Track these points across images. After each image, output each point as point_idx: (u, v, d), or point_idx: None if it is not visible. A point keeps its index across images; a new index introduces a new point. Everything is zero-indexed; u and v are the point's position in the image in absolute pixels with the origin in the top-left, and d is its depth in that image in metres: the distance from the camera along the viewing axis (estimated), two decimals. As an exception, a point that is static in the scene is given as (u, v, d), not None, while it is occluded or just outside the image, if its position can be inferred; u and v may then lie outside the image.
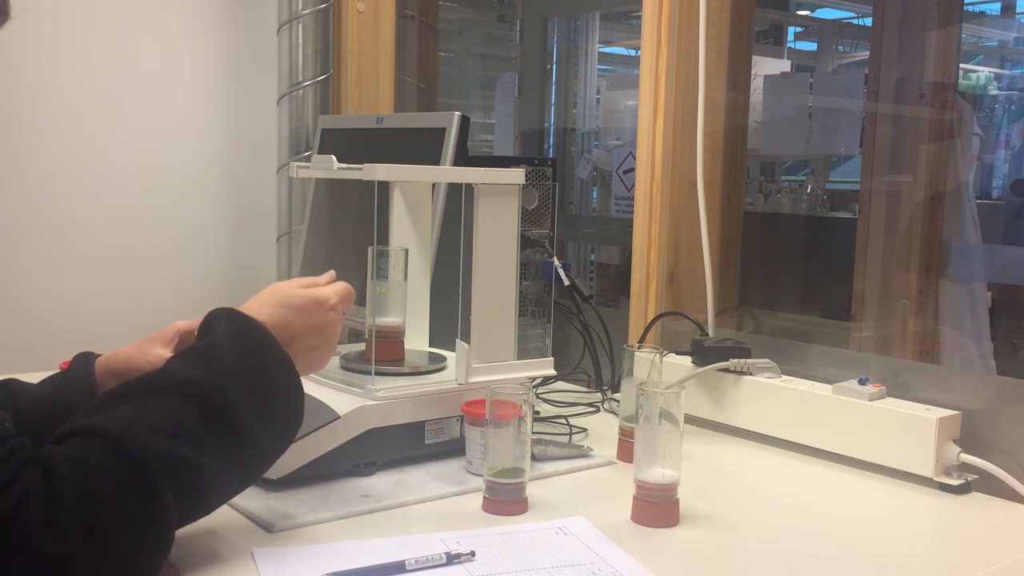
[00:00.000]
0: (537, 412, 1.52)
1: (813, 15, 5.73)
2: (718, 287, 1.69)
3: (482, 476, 1.14)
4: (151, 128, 1.95)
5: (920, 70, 2.37)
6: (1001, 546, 1.12)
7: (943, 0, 2.37)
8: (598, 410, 1.61)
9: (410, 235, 1.38)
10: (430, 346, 1.44)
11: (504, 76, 3.09)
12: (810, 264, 2.77)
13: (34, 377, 1.15)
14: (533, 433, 1.23)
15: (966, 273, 2.43)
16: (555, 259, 1.66)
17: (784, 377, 1.45)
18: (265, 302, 1.03)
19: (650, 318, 1.66)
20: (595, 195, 3.10)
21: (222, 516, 1.08)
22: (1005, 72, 5.10)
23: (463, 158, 1.43)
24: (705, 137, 1.63)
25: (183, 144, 2.00)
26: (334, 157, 1.30)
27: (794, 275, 2.67)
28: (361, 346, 1.39)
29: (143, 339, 1.17)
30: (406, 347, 1.36)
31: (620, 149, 2.89)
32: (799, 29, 5.94)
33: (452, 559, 0.96)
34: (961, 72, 3.18)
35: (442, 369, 1.34)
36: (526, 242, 1.65)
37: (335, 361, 1.33)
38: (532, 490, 1.15)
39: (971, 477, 1.25)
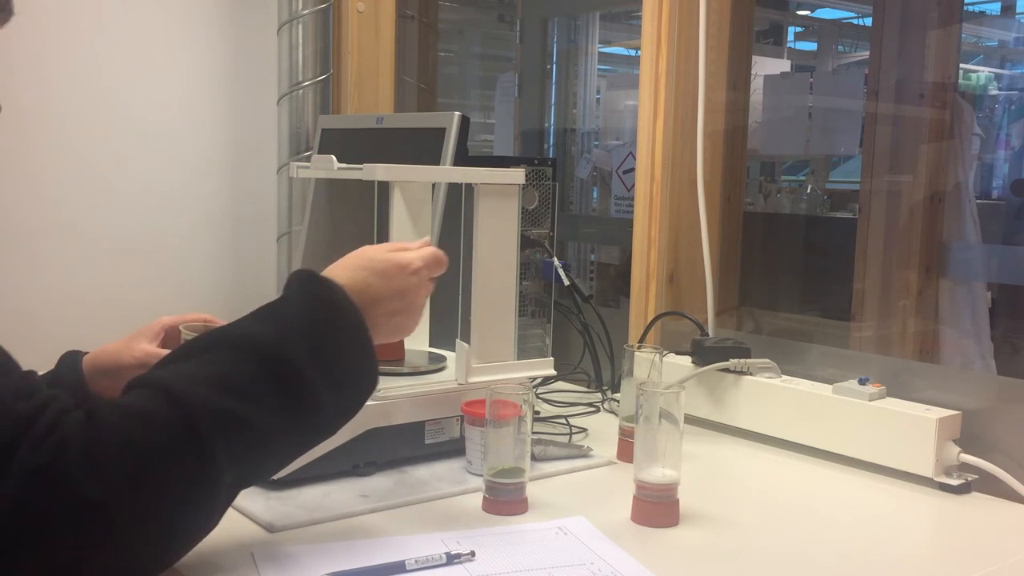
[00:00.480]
0: (537, 412, 1.52)
1: (813, 15, 5.73)
2: (718, 287, 1.69)
3: (482, 476, 1.14)
4: (151, 128, 1.95)
5: (920, 70, 2.37)
6: (1001, 546, 1.12)
7: (943, 0, 2.37)
8: (598, 410, 1.61)
9: (410, 235, 1.38)
10: (430, 346, 1.44)
11: (504, 76, 3.09)
12: (810, 264, 2.77)
13: (34, 377, 1.15)
14: (533, 433, 1.23)
15: (966, 273, 2.43)
16: (555, 259, 1.66)
17: (784, 377, 1.45)
18: (348, 265, 1.01)
19: (650, 318, 1.66)
20: (595, 195, 3.10)
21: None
22: (1005, 72, 5.10)
23: (463, 158, 1.43)
24: (705, 137, 1.63)
25: (183, 144, 2.00)
26: (334, 157, 1.30)
27: (794, 275, 2.68)
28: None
29: (129, 335, 1.19)
30: (406, 347, 1.36)
31: (620, 149, 2.90)
32: (799, 29, 5.95)
33: (452, 559, 0.96)
34: (961, 72, 3.18)
35: (442, 369, 1.34)
36: (526, 242, 1.65)
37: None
38: (532, 490, 1.15)
39: (971, 477, 1.25)
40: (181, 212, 2.00)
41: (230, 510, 1.09)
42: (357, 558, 0.96)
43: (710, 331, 1.61)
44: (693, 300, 1.69)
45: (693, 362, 1.50)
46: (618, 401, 1.48)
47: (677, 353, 1.55)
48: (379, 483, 1.20)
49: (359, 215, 1.29)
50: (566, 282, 1.66)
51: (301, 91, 1.95)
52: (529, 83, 2.86)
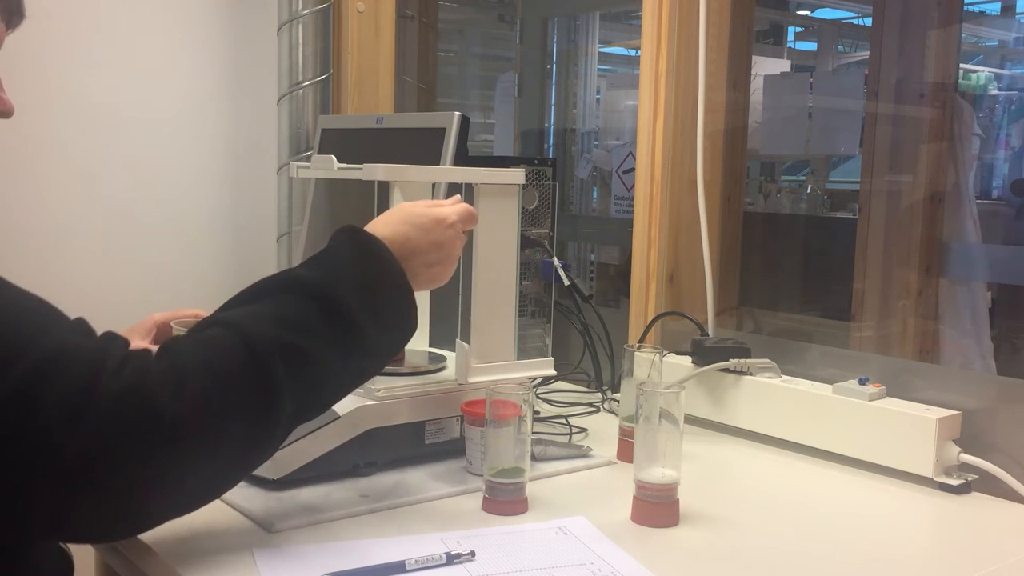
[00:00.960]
0: (537, 412, 1.52)
1: (813, 15, 5.73)
2: (718, 287, 1.69)
3: (482, 476, 1.14)
4: (151, 128, 1.95)
5: (920, 70, 2.37)
6: (1001, 546, 1.12)
7: (943, 0, 2.37)
8: (598, 410, 1.61)
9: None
10: (430, 346, 1.44)
11: (504, 76, 3.09)
12: (810, 264, 2.76)
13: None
14: (533, 433, 1.23)
15: (966, 273, 2.43)
16: (555, 259, 1.66)
17: (784, 377, 1.45)
18: (388, 220, 1.08)
19: (650, 318, 1.66)
20: (595, 195, 3.10)
21: (222, 516, 1.08)
22: (1005, 72, 5.10)
23: (463, 158, 1.43)
24: (705, 137, 1.63)
25: (183, 144, 2.00)
26: (334, 157, 1.30)
27: (794, 275, 2.67)
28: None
29: (122, 331, 1.19)
30: (406, 347, 1.36)
31: (620, 149, 2.89)
32: (799, 29, 5.95)
33: (452, 559, 0.96)
34: (961, 72, 3.18)
35: (442, 369, 1.34)
36: (526, 242, 1.65)
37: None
38: (532, 490, 1.15)
39: (971, 477, 1.25)
40: (181, 212, 2.00)
41: (230, 510, 1.10)
42: (357, 558, 0.96)
43: (710, 331, 1.61)
44: (693, 300, 1.69)
45: (693, 362, 1.50)
46: (618, 401, 1.48)
47: (677, 353, 1.55)
48: (379, 483, 1.20)
49: (359, 215, 1.29)
50: (566, 282, 1.66)
51: (301, 91, 1.95)
52: (529, 83, 2.86)
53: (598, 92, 3.20)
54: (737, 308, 1.89)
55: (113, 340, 0.88)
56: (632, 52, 4.28)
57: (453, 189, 1.30)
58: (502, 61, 3.17)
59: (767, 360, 1.46)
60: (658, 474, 1.10)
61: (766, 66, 3.84)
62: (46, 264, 1.84)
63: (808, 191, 3.73)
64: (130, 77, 1.92)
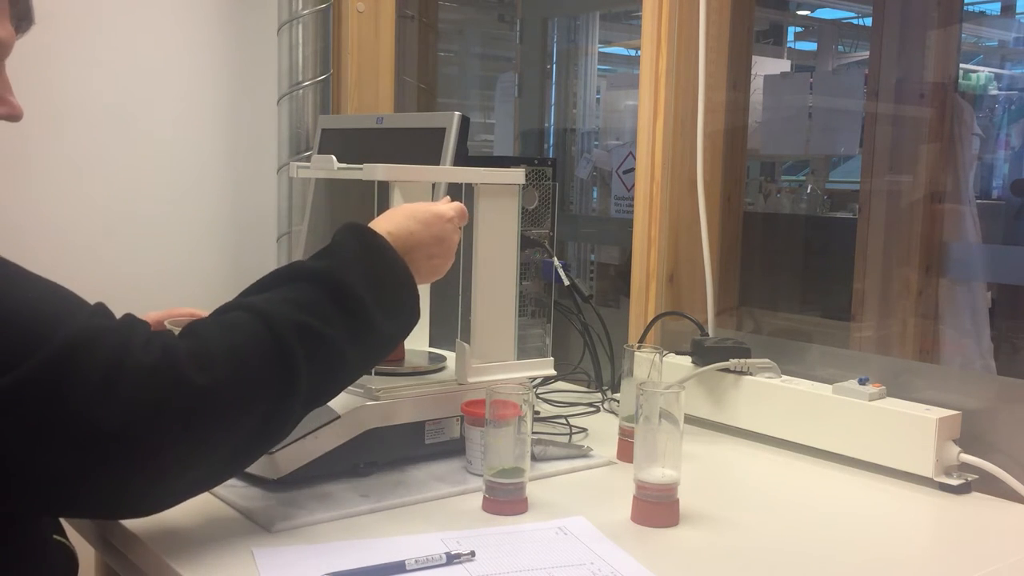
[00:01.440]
0: (537, 412, 1.52)
1: (813, 15, 5.73)
2: (718, 287, 1.69)
3: (482, 476, 1.14)
4: (151, 128, 1.95)
5: (920, 70, 2.37)
6: (1001, 546, 1.12)
7: (943, 0, 2.37)
8: (598, 410, 1.61)
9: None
10: (430, 346, 1.44)
11: (504, 76, 3.09)
12: (810, 264, 2.76)
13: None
14: (533, 433, 1.23)
15: (966, 273, 2.43)
16: (555, 259, 1.66)
17: (784, 377, 1.45)
18: (391, 216, 1.13)
19: (650, 318, 1.66)
20: (595, 195, 3.10)
21: (222, 516, 1.08)
22: (1005, 72, 5.10)
23: (463, 158, 1.43)
24: (705, 137, 1.63)
25: (183, 144, 2.00)
26: (334, 157, 1.30)
27: (794, 275, 2.67)
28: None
29: None
30: (406, 347, 1.36)
31: (620, 149, 2.89)
32: (799, 29, 5.94)
33: (452, 559, 0.96)
34: (961, 72, 3.18)
35: (442, 369, 1.34)
36: (526, 242, 1.65)
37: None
38: (532, 490, 1.15)
39: (971, 477, 1.25)
40: (181, 212, 2.00)
41: (230, 510, 1.10)
42: (357, 558, 0.96)
43: (710, 331, 1.61)
44: (693, 300, 1.69)
45: (693, 362, 1.50)
46: (618, 401, 1.48)
47: (677, 353, 1.55)
48: (379, 483, 1.20)
49: (359, 215, 1.29)
50: (566, 282, 1.66)
51: (301, 91, 1.95)
52: (529, 83, 2.86)
53: (598, 92, 3.20)
54: (737, 308, 1.89)
55: (136, 321, 0.91)
56: (632, 52, 4.28)
57: (453, 189, 1.30)
58: (502, 61, 3.17)
59: (767, 360, 1.46)
60: (658, 474, 1.10)
61: (766, 66, 3.84)
62: (46, 264, 1.83)
63: (808, 191, 3.72)
64: (131, 77, 1.92)
